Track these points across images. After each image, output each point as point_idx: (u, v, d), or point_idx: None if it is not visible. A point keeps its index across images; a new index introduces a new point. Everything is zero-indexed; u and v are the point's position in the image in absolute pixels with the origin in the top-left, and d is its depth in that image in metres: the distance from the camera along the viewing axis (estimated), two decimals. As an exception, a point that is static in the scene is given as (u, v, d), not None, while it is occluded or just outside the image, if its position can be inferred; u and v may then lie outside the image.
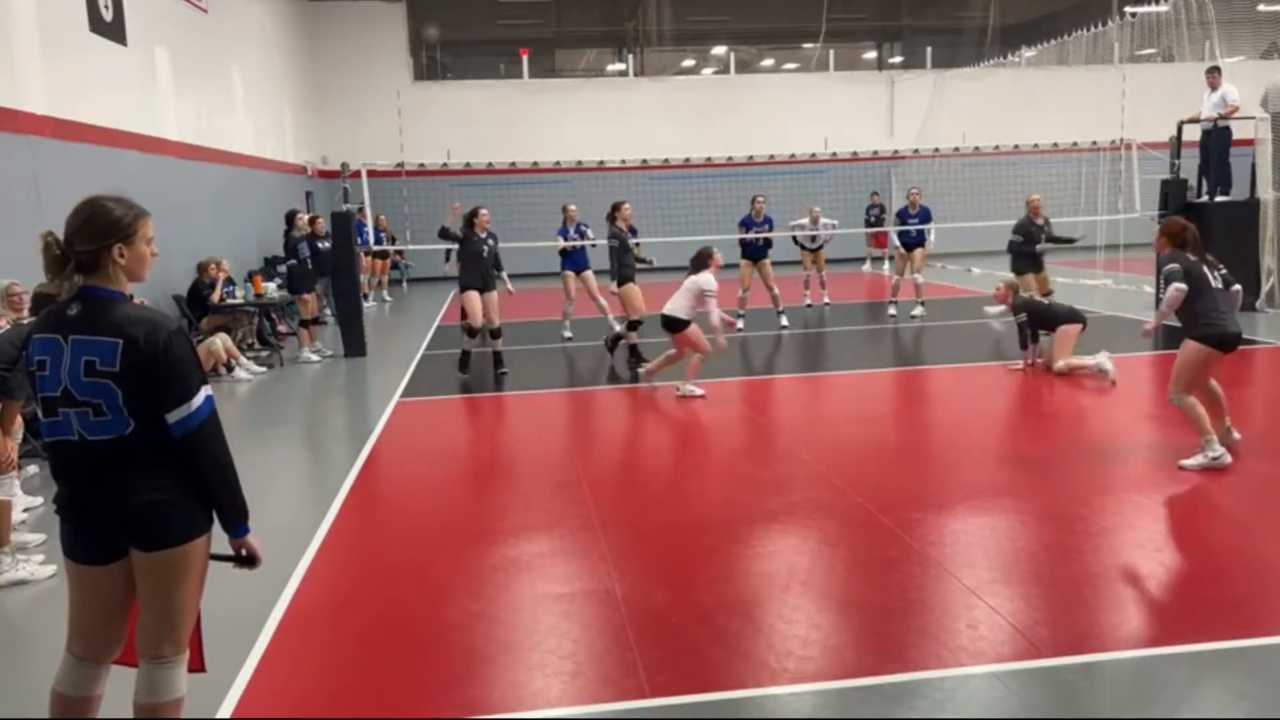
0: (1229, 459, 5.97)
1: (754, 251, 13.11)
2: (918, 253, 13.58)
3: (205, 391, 2.73)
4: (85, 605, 2.84)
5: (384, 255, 17.35)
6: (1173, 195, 13.30)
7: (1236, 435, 6.28)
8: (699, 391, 8.69)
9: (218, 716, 3.44)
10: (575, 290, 12.44)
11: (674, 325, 8.80)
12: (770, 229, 13.28)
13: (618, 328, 11.29)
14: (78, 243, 2.69)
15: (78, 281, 2.71)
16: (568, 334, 12.46)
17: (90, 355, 2.64)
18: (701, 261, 8.83)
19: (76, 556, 2.79)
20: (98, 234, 2.69)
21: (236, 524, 2.83)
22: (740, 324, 12.25)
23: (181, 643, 2.83)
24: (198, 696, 3.41)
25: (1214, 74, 13.18)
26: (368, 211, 14.47)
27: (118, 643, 2.89)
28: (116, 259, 2.72)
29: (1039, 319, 9.38)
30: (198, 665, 2.99)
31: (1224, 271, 6.11)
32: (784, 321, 12.92)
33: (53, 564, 4.84)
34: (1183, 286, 5.88)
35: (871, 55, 26.83)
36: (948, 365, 10.31)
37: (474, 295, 10.02)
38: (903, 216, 13.88)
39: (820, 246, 14.73)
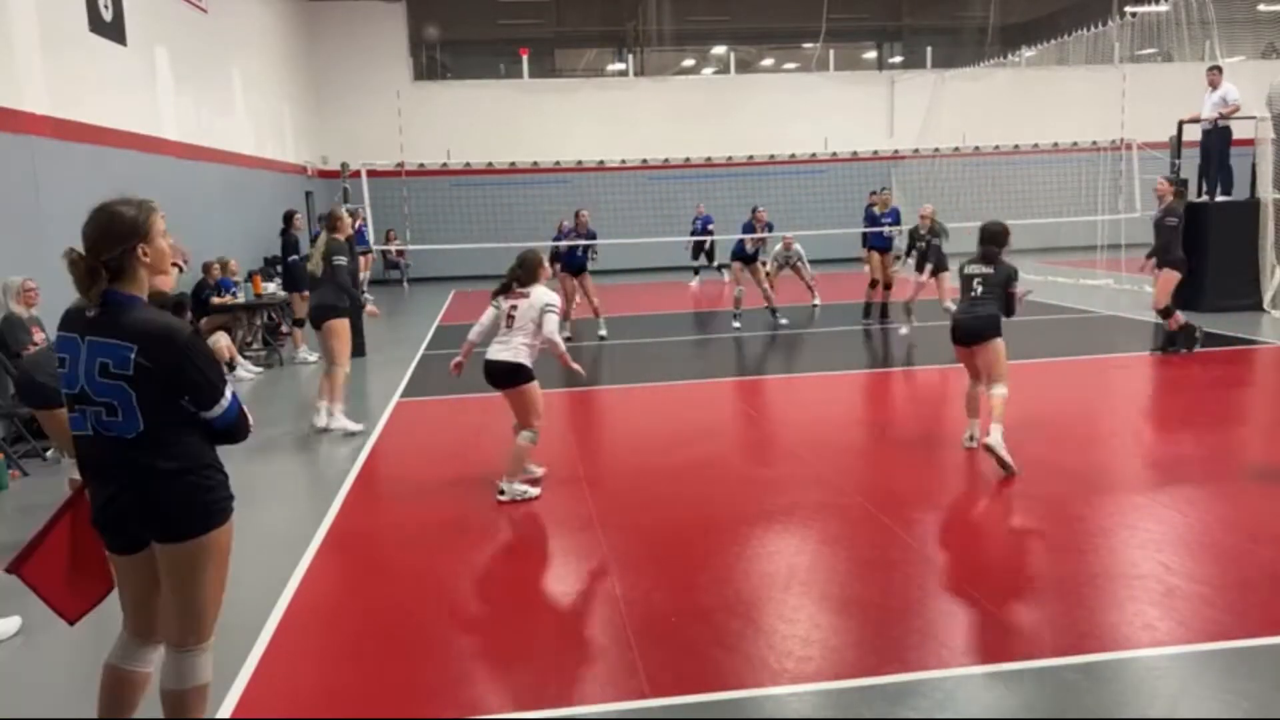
0: None
1: (745, 256, 13.15)
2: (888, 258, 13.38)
3: (230, 389, 2.85)
4: (122, 590, 2.98)
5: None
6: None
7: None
8: (534, 491, 5.98)
9: (218, 716, 3.44)
10: (572, 289, 12.90)
11: (510, 377, 6.07)
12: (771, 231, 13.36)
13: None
14: (103, 251, 2.72)
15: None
16: (568, 334, 12.53)
17: (105, 357, 2.69)
18: (531, 272, 6.11)
19: (109, 548, 2.92)
20: (120, 238, 2.74)
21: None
22: (738, 324, 12.91)
23: (203, 633, 2.92)
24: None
25: (1215, 73, 13.16)
26: (368, 212, 14.47)
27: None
28: (141, 258, 2.78)
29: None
30: (74, 614, 3.07)
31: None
32: (782, 321, 12.98)
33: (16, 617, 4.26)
34: None
35: (871, 55, 26.84)
36: (948, 366, 10.28)
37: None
38: (872, 219, 13.62)
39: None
